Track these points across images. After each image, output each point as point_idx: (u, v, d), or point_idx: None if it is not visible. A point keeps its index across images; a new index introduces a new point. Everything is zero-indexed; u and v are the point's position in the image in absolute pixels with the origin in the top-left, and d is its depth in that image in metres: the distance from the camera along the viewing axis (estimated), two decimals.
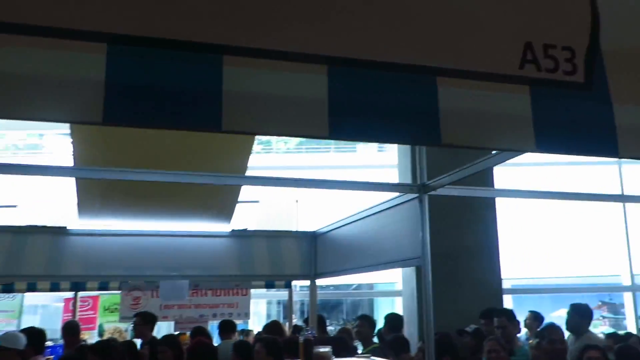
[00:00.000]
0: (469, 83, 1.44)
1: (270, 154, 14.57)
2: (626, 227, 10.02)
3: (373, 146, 14.14)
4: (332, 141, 14.14)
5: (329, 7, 1.42)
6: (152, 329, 6.41)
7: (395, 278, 11.04)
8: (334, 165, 13.79)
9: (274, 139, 13.59)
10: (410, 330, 7.29)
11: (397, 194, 4.35)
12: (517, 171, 8.87)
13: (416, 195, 4.00)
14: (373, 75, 1.39)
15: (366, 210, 4.88)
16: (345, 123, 1.33)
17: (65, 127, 12.08)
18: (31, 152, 18.30)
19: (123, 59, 1.22)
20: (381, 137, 1.46)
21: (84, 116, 1.18)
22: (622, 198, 8.10)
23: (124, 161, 4.76)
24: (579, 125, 1.49)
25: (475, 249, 7.11)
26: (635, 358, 4.65)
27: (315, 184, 4.39)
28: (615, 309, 12.01)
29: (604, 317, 11.68)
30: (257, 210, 9.60)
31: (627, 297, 10.47)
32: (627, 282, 10.13)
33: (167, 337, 5.69)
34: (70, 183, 5.54)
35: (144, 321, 6.57)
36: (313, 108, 1.30)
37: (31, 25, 1.17)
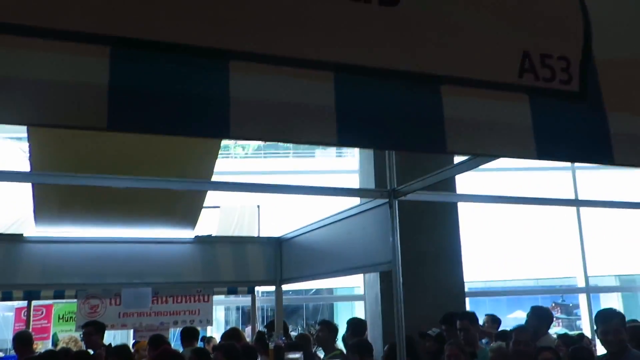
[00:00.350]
0: (471, 92, 1.45)
1: (228, 159, 14.41)
2: (580, 230, 10.35)
3: (332, 151, 14.20)
4: (291, 146, 14.12)
5: (336, 15, 1.41)
6: (102, 338, 6.34)
7: (355, 283, 11.10)
8: (293, 170, 13.77)
9: (231, 143, 13.44)
10: (373, 335, 7.32)
11: (363, 199, 4.37)
12: (476, 176, 9.05)
13: (385, 200, 4.02)
14: (379, 83, 1.38)
15: (333, 215, 4.87)
16: (353, 130, 1.31)
17: (16, 131, 11.67)
18: None
19: (127, 63, 1.17)
20: (387, 144, 1.46)
21: (87, 121, 1.13)
22: (576, 203, 8.40)
23: (83, 167, 4.63)
24: (576, 134, 1.53)
25: (438, 253, 7.20)
26: (589, 359, 4.77)
27: (285, 189, 4.37)
28: (568, 310, 12.40)
29: (557, 318, 12.03)
30: (218, 216, 9.47)
31: (582, 299, 10.78)
32: (581, 283, 10.45)
33: (117, 348, 5.59)
34: (26, 189, 5.34)
35: (95, 330, 6.48)
36: (321, 115, 1.29)
37: (32, 26, 1.12)
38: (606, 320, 4.23)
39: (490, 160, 3.23)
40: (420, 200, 5.25)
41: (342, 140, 1.29)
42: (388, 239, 3.93)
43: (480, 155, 1.40)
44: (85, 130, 1.15)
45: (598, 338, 4.44)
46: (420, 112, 1.38)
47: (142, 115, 1.16)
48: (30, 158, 4.63)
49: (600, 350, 4.85)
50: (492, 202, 4.43)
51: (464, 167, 3.43)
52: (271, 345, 4.11)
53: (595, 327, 4.43)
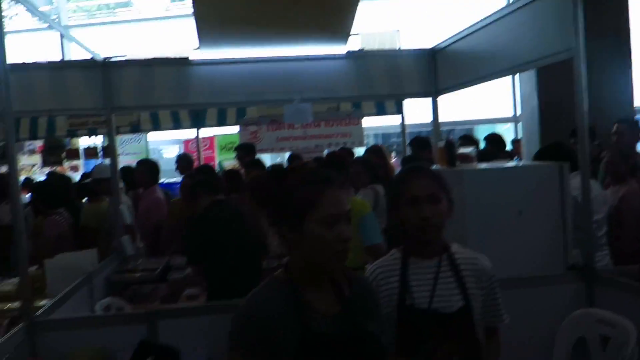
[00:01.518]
0: None
1: None
2: None
3: None
4: None
5: None
6: (253, 158, 6.99)
7: (492, 114, 10.74)
8: None
9: None
10: (529, 149, 7.14)
11: None
12: None
13: None
14: None
15: (496, 12, 4.52)
16: None
17: None
18: (122, 10, 18.73)
19: None
20: None
21: None
22: None
23: None
24: None
25: (603, 56, 6.46)
26: None
27: None
28: None
29: None
30: (358, 43, 9.40)
31: None
32: None
33: (255, 161, 6.57)
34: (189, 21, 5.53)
35: (246, 152, 7.04)
36: None
37: None
38: None
39: None
40: None
41: None
42: (565, 26, 3.57)
43: None
44: None
45: None
46: None
47: None
48: None
49: None
50: None
51: None
52: (440, 145, 4.09)
53: None
